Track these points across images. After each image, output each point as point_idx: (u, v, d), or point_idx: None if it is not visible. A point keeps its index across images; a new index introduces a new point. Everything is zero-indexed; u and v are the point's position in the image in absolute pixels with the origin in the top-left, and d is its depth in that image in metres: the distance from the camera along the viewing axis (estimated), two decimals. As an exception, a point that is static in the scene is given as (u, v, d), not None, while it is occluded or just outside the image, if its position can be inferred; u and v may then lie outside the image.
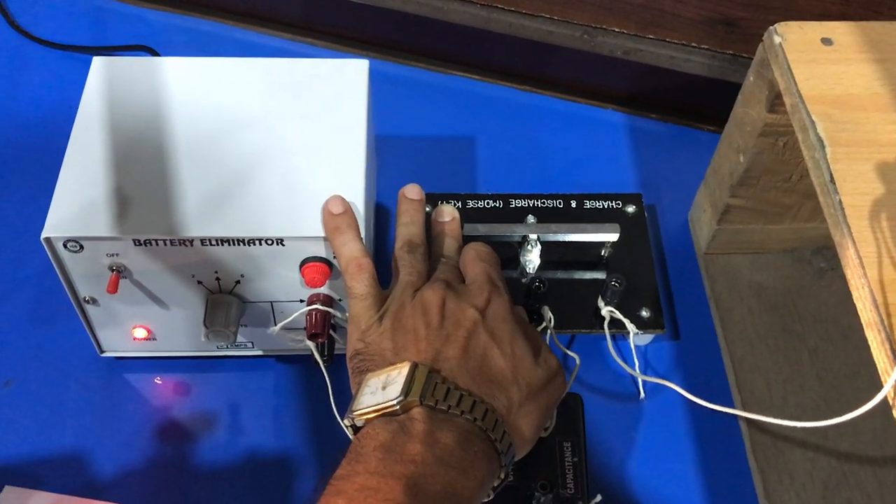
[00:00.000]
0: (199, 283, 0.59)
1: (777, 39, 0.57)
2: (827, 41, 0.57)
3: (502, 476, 0.49)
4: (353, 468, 0.44)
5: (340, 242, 0.55)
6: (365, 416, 0.47)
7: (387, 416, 0.47)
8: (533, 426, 0.50)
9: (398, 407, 0.46)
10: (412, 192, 0.61)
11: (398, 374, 0.48)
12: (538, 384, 0.51)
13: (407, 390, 0.47)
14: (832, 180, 0.50)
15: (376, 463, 0.44)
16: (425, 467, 0.44)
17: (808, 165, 0.53)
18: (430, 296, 0.52)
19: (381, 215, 0.74)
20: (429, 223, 0.61)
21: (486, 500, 0.49)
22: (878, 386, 0.45)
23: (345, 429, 0.50)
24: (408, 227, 0.59)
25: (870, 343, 0.46)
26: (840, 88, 0.55)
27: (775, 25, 0.58)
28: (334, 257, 0.57)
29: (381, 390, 0.47)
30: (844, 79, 0.55)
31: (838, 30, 0.58)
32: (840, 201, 0.49)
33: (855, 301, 0.47)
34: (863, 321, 0.46)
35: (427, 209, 0.62)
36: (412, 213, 0.60)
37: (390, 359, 0.50)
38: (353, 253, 0.54)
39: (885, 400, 0.44)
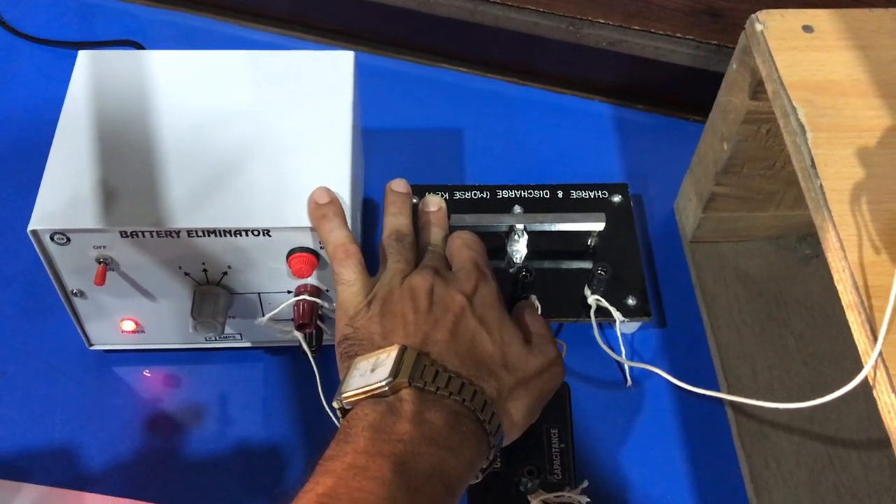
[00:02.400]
0: (187, 274, 0.59)
1: (759, 27, 0.58)
2: (808, 28, 0.58)
3: (490, 457, 0.49)
4: (342, 448, 0.45)
5: (327, 230, 0.55)
6: (353, 399, 0.48)
7: (375, 397, 0.47)
8: (523, 411, 0.51)
9: (387, 388, 0.47)
10: (399, 185, 0.61)
11: (387, 357, 0.48)
12: (530, 371, 0.51)
13: (396, 372, 0.47)
14: (813, 165, 0.51)
15: (365, 442, 0.44)
16: (413, 446, 0.45)
17: (790, 151, 0.53)
18: (418, 281, 0.52)
19: (369, 209, 0.74)
20: (416, 214, 0.61)
21: (474, 481, 0.49)
22: (862, 369, 0.45)
23: (330, 414, 0.50)
24: (395, 216, 0.59)
25: (850, 324, 0.46)
26: (821, 75, 0.55)
27: (757, 13, 0.58)
28: (321, 247, 0.57)
29: (369, 373, 0.48)
30: (825, 65, 0.56)
31: (819, 17, 0.58)
32: (821, 185, 0.50)
33: (836, 283, 0.48)
34: (844, 303, 0.47)
35: (414, 200, 0.63)
36: (399, 204, 0.60)
37: (378, 343, 0.50)
38: (339, 239, 0.55)
39: (865, 381, 0.45)
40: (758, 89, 0.59)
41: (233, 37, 0.89)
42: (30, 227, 0.55)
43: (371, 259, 0.57)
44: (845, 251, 0.47)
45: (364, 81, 0.67)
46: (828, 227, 0.49)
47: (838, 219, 0.48)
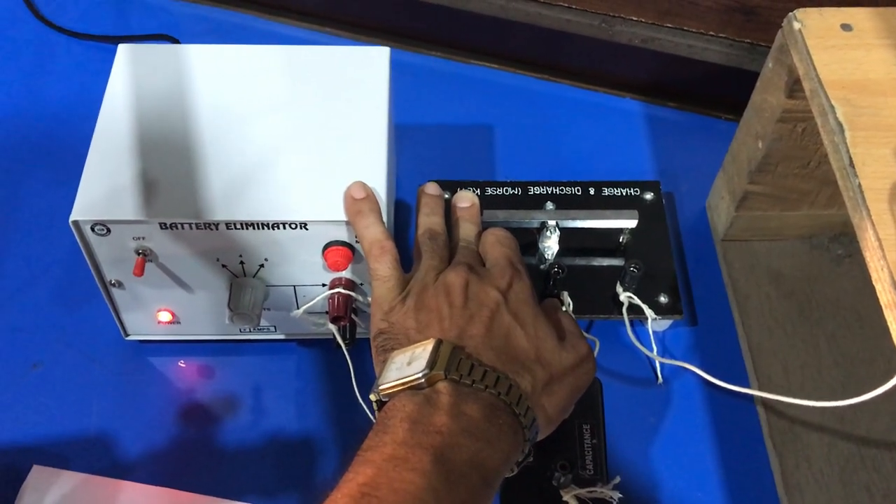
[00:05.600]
0: (224, 266, 0.60)
1: (796, 25, 0.58)
2: (846, 27, 0.58)
3: (525, 451, 0.49)
4: (381, 439, 0.45)
5: (363, 225, 0.56)
6: (390, 390, 0.48)
7: (412, 389, 0.48)
8: (557, 406, 0.51)
9: (423, 380, 0.47)
10: (431, 188, 0.62)
11: (423, 351, 0.48)
12: (564, 366, 0.52)
13: (432, 364, 0.47)
14: (851, 164, 0.50)
15: (403, 434, 0.45)
16: (452, 438, 0.45)
17: (828, 149, 0.53)
18: (453, 278, 0.53)
19: (401, 210, 0.75)
20: (448, 211, 0.62)
21: (509, 475, 0.50)
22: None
23: (365, 407, 0.51)
24: (429, 216, 0.60)
25: (888, 324, 0.46)
26: (859, 73, 0.55)
27: (795, 11, 0.58)
28: (357, 241, 0.58)
29: (406, 366, 0.48)
30: (864, 64, 0.56)
31: (858, 15, 0.58)
32: (859, 184, 0.50)
33: (874, 283, 0.48)
34: (882, 302, 0.47)
35: (446, 196, 0.63)
36: (432, 204, 0.61)
37: (414, 337, 0.51)
38: (375, 236, 0.55)
39: (902, 380, 0.45)
40: (794, 88, 0.59)
41: (266, 32, 0.90)
42: (71, 218, 0.56)
43: (404, 259, 0.57)
44: (884, 250, 0.47)
45: (395, 77, 0.67)
46: (866, 226, 0.48)
47: (876, 218, 0.48)
